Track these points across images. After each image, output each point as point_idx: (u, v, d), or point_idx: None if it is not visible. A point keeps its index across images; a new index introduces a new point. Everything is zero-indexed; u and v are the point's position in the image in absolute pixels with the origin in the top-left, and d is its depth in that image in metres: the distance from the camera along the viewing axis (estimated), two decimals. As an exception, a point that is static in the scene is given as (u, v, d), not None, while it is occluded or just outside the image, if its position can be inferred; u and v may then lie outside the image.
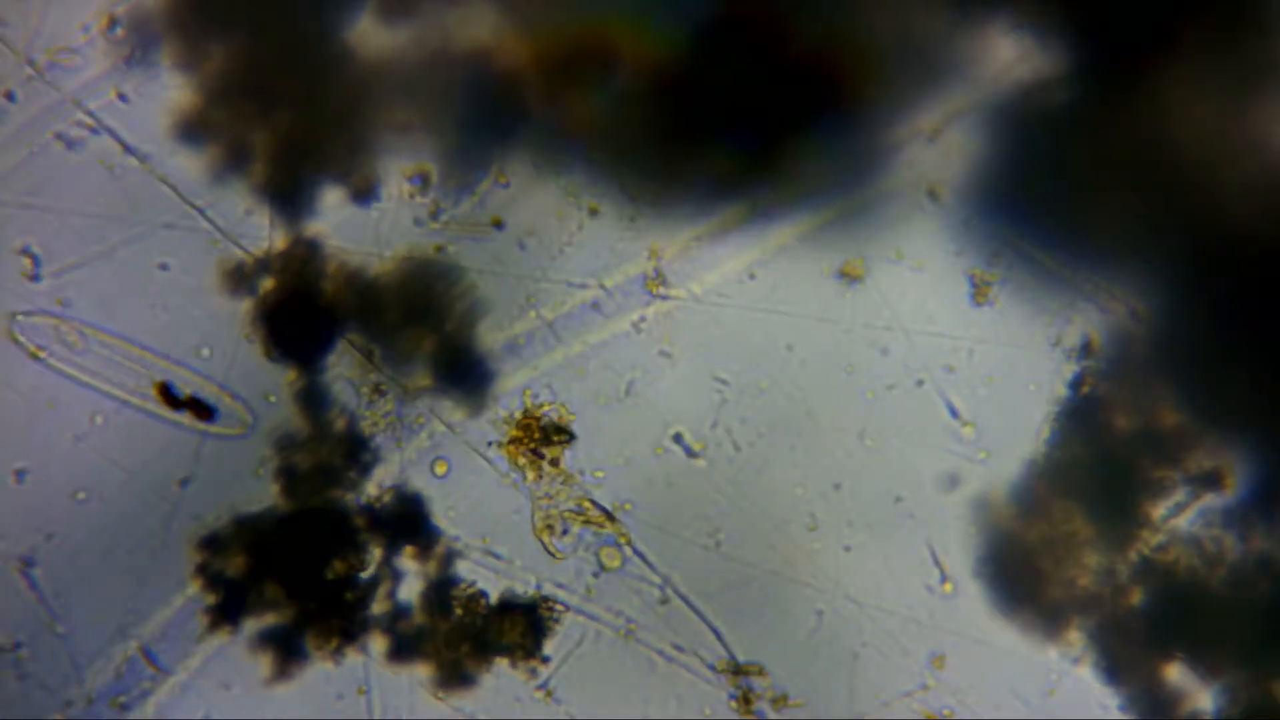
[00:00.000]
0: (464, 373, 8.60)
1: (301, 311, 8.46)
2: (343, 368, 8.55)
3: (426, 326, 8.55)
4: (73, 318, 8.53)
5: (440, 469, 8.66)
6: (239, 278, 8.49)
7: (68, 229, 8.57)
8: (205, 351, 8.56)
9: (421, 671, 8.57)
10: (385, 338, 8.55)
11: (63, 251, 8.57)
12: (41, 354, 8.49)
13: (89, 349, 8.54)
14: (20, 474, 8.52)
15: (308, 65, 8.42)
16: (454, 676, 8.55)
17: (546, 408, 8.62)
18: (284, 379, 8.56)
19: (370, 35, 8.44)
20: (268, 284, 8.50)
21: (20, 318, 8.49)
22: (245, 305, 8.50)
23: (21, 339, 8.50)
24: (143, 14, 8.47)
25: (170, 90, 8.47)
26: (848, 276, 8.59)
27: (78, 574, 8.53)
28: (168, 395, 8.46)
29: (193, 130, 8.47)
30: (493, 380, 8.64)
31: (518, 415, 8.62)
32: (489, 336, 8.64)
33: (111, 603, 8.55)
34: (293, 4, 8.44)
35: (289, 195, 8.48)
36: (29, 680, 8.53)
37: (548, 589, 8.65)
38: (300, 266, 8.45)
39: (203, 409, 8.47)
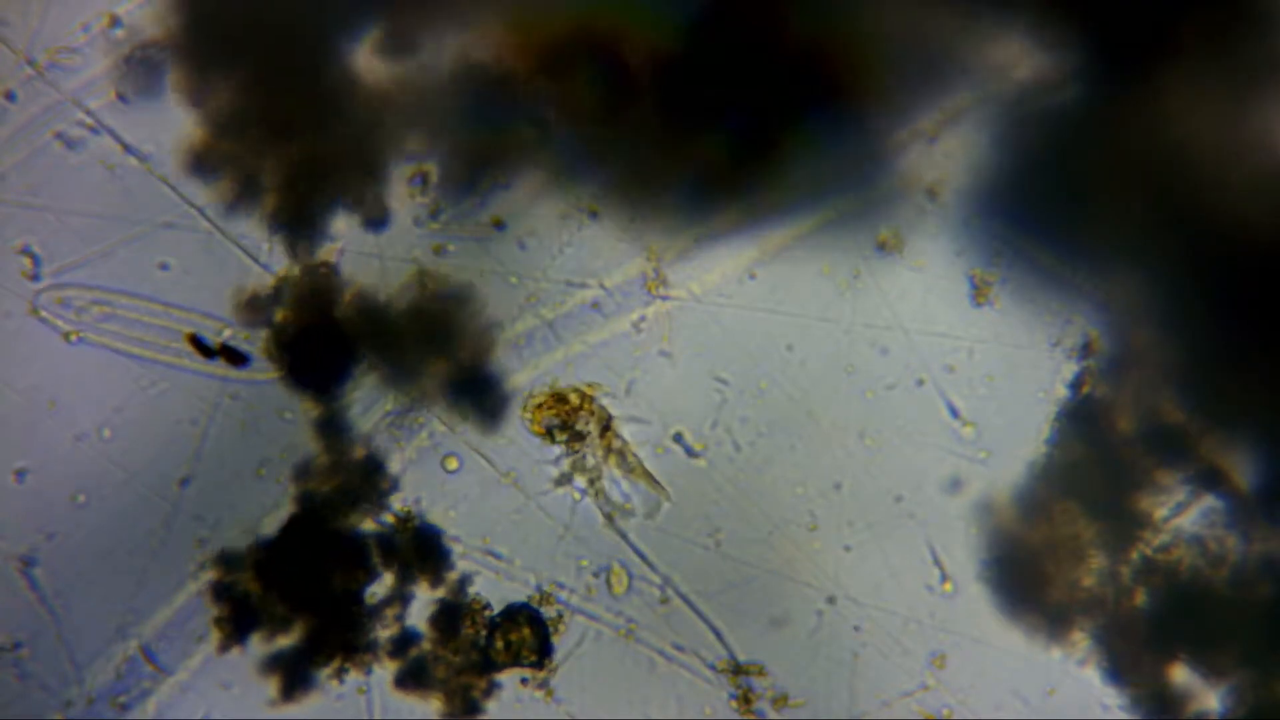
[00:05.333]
0: (479, 393, 8.61)
1: (318, 342, 8.47)
2: (362, 394, 8.59)
3: (441, 348, 8.56)
4: (93, 285, 8.55)
5: (451, 464, 8.67)
6: (254, 308, 8.51)
7: (68, 229, 8.58)
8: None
9: (431, 702, 8.60)
10: (399, 359, 8.56)
11: (63, 251, 8.58)
12: (73, 333, 8.52)
13: (115, 313, 8.57)
14: (20, 474, 8.53)
15: (314, 94, 8.43)
16: (462, 704, 8.56)
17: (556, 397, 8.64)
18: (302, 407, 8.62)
19: (375, 60, 8.47)
20: (282, 314, 8.52)
21: (43, 296, 8.51)
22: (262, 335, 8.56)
23: (47, 315, 8.52)
24: (143, 43, 8.51)
25: (177, 116, 8.51)
26: (886, 247, 8.58)
27: (78, 574, 8.54)
28: (199, 345, 8.47)
29: (203, 163, 8.48)
30: (507, 399, 8.64)
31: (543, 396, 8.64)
32: (503, 355, 8.65)
33: (111, 603, 8.55)
34: (296, 35, 8.46)
35: (301, 223, 8.50)
36: (29, 680, 8.53)
37: (549, 588, 8.65)
38: (314, 296, 8.48)
39: (235, 355, 8.47)
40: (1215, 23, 8.19)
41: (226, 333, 8.58)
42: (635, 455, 8.59)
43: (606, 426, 8.60)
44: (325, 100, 8.44)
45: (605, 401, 8.63)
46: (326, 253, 8.56)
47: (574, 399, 8.58)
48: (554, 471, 8.65)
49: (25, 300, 8.56)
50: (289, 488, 8.55)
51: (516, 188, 8.64)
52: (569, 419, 8.57)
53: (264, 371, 8.58)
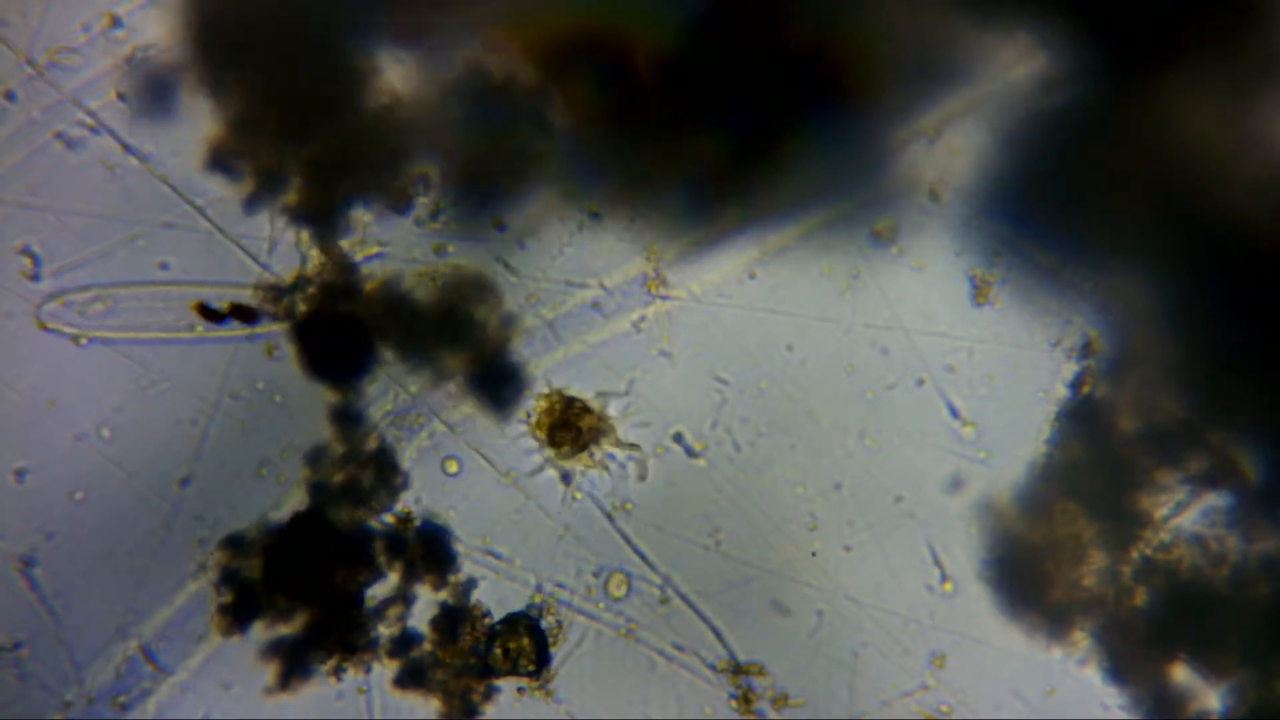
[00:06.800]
0: (496, 384, 8.61)
1: (338, 332, 8.48)
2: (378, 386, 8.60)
3: (460, 340, 8.56)
4: (89, 283, 8.56)
5: (451, 467, 8.67)
6: (275, 298, 8.52)
7: (68, 229, 8.58)
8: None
9: (430, 702, 8.60)
10: (418, 351, 8.56)
11: (63, 251, 8.57)
12: (82, 336, 8.54)
13: (116, 306, 8.56)
14: (20, 474, 8.53)
15: (331, 91, 8.44)
16: (461, 705, 8.56)
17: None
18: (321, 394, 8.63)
19: (378, 61, 8.49)
20: (303, 305, 8.52)
21: (47, 306, 8.52)
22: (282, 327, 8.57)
23: (51, 325, 8.53)
24: (148, 45, 8.52)
25: (178, 116, 8.52)
26: (880, 237, 8.57)
27: (78, 574, 8.54)
28: (208, 312, 8.47)
29: (222, 161, 8.49)
30: (524, 391, 8.65)
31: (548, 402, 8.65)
32: (518, 348, 8.66)
33: (111, 603, 8.55)
34: (302, 36, 8.47)
35: (323, 217, 8.51)
36: (29, 680, 8.53)
37: (548, 589, 8.65)
38: (335, 287, 8.49)
39: (246, 313, 8.47)
40: (1217, 22, 8.19)
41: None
42: (608, 421, 8.60)
43: (570, 406, 8.61)
44: (330, 100, 8.44)
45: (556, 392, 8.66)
46: (349, 245, 8.57)
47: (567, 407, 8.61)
48: (553, 473, 8.66)
49: (29, 306, 8.56)
50: (300, 474, 8.55)
51: (517, 189, 8.64)
52: (571, 421, 8.59)
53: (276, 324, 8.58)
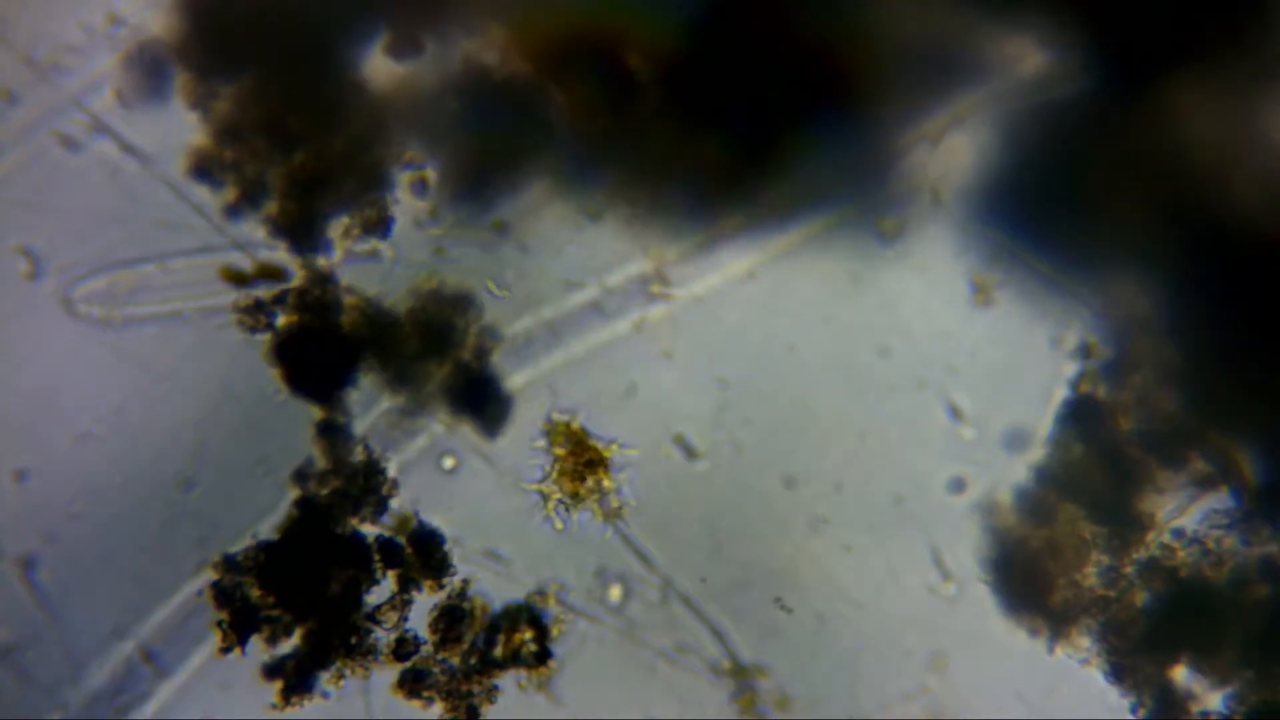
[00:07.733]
0: (481, 399, 8.61)
1: (321, 349, 8.47)
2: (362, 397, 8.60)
3: (442, 355, 8.56)
4: (115, 267, 8.56)
5: (450, 462, 8.67)
6: (256, 313, 8.51)
7: (68, 229, 8.57)
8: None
9: (433, 705, 8.60)
10: (402, 366, 8.56)
11: (63, 251, 8.57)
12: (117, 316, 8.54)
13: (146, 284, 8.57)
14: (21, 474, 8.52)
15: (319, 102, 8.44)
16: (463, 706, 8.57)
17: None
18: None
19: (381, 69, 8.48)
20: (285, 320, 8.52)
21: (79, 295, 8.53)
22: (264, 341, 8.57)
23: (89, 311, 8.53)
24: (147, 50, 8.52)
25: (178, 116, 8.52)
26: (885, 234, 8.60)
27: (78, 575, 8.52)
28: (235, 275, 8.48)
29: (206, 168, 8.48)
30: (510, 406, 8.65)
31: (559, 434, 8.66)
32: (502, 360, 8.66)
33: (111, 604, 8.54)
34: (303, 42, 8.47)
35: (304, 229, 8.50)
36: (29, 681, 8.51)
37: (550, 589, 8.66)
38: (317, 302, 8.48)
39: (273, 271, 8.47)
40: (1223, 27, 8.22)
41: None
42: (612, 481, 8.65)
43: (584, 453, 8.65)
44: (329, 106, 8.44)
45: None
46: (335, 259, 8.57)
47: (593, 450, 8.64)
48: (556, 491, 8.68)
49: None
50: (288, 491, 8.54)
51: (518, 190, 8.65)
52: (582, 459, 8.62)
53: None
